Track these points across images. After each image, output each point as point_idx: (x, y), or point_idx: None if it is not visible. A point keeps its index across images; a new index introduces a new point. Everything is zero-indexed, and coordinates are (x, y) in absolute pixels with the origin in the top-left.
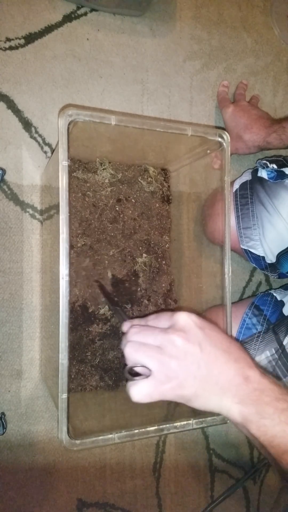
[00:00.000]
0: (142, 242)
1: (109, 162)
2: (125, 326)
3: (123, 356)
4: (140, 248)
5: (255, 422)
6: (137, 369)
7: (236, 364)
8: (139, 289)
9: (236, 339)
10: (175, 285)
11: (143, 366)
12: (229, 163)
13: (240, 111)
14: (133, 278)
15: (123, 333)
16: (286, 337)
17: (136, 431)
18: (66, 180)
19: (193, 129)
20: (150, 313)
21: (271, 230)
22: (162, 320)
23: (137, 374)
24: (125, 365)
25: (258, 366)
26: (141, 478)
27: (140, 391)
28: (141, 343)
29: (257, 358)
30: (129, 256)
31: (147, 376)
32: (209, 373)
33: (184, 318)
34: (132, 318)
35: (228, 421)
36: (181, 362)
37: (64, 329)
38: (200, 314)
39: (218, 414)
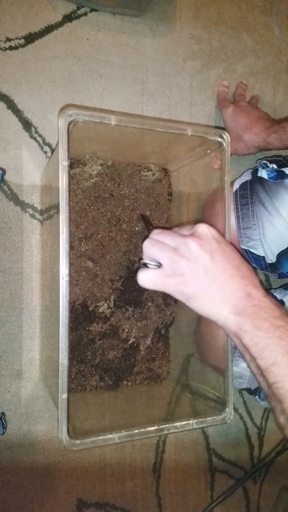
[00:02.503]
0: (141, 242)
1: (97, 158)
2: (153, 234)
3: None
4: (139, 248)
5: (249, 332)
6: (149, 266)
7: (242, 280)
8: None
9: None
10: None
11: (156, 262)
12: (229, 163)
13: (240, 111)
14: (133, 278)
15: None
16: None
17: (136, 431)
18: (66, 180)
19: (193, 129)
20: (152, 314)
21: (271, 230)
22: (184, 229)
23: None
24: (141, 258)
25: (262, 287)
26: (141, 478)
27: (146, 277)
28: (160, 241)
29: None
30: (129, 257)
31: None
32: (214, 281)
33: (203, 228)
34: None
35: (228, 421)
36: (190, 264)
37: (64, 329)
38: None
39: (219, 414)
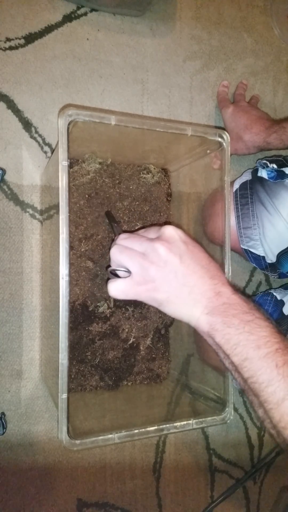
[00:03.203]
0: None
1: (97, 157)
2: (116, 236)
3: (109, 259)
4: None
5: (220, 331)
6: (119, 273)
7: (211, 280)
8: None
9: None
10: None
11: (125, 268)
12: (229, 163)
13: (240, 111)
14: None
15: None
16: (287, 336)
17: (136, 431)
18: (66, 180)
19: (193, 129)
20: (152, 314)
21: (271, 229)
22: (150, 232)
23: (117, 276)
24: (109, 265)
25: (231, 284)
26: (141, 478)
27: (117, 287)
28: (127, 247)
29: None
30: None
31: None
32: (185, 284)
33: (170, 231)
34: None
35: (228, 421)
36: (160, 269)
37: (64, 329)
38: None
39: (219, 414)
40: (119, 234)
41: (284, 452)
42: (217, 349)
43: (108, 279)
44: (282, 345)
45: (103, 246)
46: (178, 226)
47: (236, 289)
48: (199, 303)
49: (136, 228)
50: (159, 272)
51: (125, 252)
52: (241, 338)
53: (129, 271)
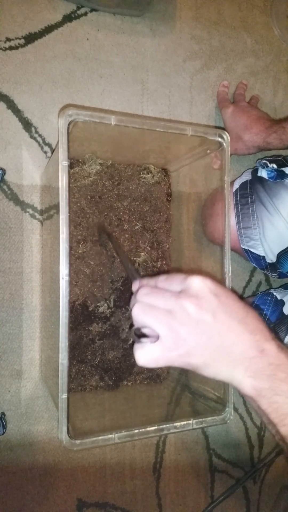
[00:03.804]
0: (141, 242)
1: (97, 158)
2: (135, 285)
3: (130, 317)
4: (139, 248)
5: (267, 398)
6: (145, 331)
7: (252, 336)
8: None
9: None
10: None
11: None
12: (229, 163)
13: (240, 111)
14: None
15: (132, 293)
16: (287, 336)
17: (136, 431)
18: (66, 180)
19: (193, 129)
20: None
21: (271, 229)
22: (174, 282)
23: (143, 336)
24: (132, 325)
25: (275, 339)
26: (141, 478)
27: (146, 355)
28: (151, 305)
29: None
30: (130, 256)
31: (155, 340)
32: (222, 344)
33: (198, 283)
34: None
35: (228, 421)
36: (192, 330)
37: (64, 329)
38: None
39: (219, 414)
40: (138, 281)
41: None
42: (261, 414)
43: (133, 342)
44: None
45: (101, 250)
46: (178, 226)
47: (282, 343)
48: (241, 365)
49: (136, 228)
50: (191, 334)
51: (149, 311)
52: None
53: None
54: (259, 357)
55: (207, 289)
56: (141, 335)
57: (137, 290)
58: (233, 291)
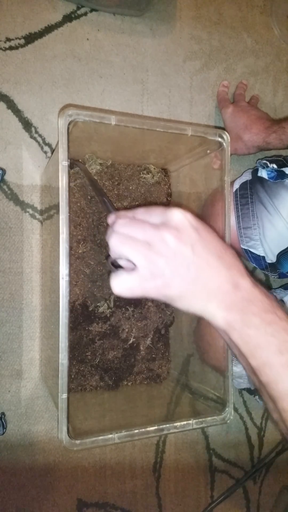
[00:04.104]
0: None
1: (97, 158)
2: (111, 218)
3: (108, 247)
4: None
5: (238, 330)
6: (121, 262)
7: (228, 271)
8: None
9: None
10: None
11: (128, 260)
12: (229, 163)
13: (240, 111)
14: None
15: (108, 225)
16: None
17: (136, 431)
18: (66, 180)
19: (193, 129)
20: (152, 314)
21: (271, 229)
22: (153, 214)
23: (120, 267)
24: (108, 255)
25: (250, 275)
26: (141, 478)
27: (122, 284)
28: (129, 236)
29: None
30: None
31: (132, 270)
32: (198, 277)
33: (179, 216)
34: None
35: (228, 421)
36: (170, 262)
37: (64, 329)
38: None
39: (219, 414)
40: (114, 214)
41: (286, 452)
42: (232, 346)
43: (109, 272)
44: None
45: (104, 247)
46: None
47: (256, 280)
48: (215, 298)
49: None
50: (169, 266)
51: (127, 242)
52: (262, 341)
53: (133, 263)
54: (233, 291)
55: (188, 222)
56: (118, 266)
57: (115, 221)
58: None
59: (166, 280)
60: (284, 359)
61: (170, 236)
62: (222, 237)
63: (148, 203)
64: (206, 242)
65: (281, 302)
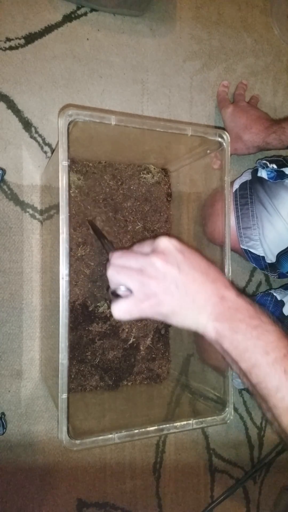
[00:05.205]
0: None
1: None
2: (110, 255)
3: (107, 280)
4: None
5: (228, 337)
6: (120, 292)
7: (213, 285)
8: None
9: None
10: None
11: (125, 287)
12: (229, 163)
13: (240, 111)
14: None
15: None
16: None
17: (136, 431)
18: (66, 180)
19: (193, 129)
20: None
21: (271, 230)
22: (145, 246)
23: (119, 297)
24: (108, 287)
25: (234, 287)
26: (141, 478)
27: (120, 308)
28: (123, 266)
29: None
30: None
31: (129, 295)
32: (187, 292)
33: (164, 242)
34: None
35: (228, 421)
36: (160, 282)
37: (64, 329)
38: None
39: (219, 414)
40: (112, 252)
41: (286, 452)
42: (225, 355)
43: (110, 301)
44: None
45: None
46: (178, 226)
47: (240, 291)
48: (204, 310)
49: (137, 228)
50: (160, 286)
51: (122, 271)
52: (249, 344)
53: (130, 290)
54: (220, 302)
55: (173, 246)
56: (117, 296)
57: (111, 255)
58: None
59: (159, 298)
60: (271, 359)
61: (157, 259)
62: (222, 236)
63: (148, 202)
64: (190, 261)
65: (281, 302)
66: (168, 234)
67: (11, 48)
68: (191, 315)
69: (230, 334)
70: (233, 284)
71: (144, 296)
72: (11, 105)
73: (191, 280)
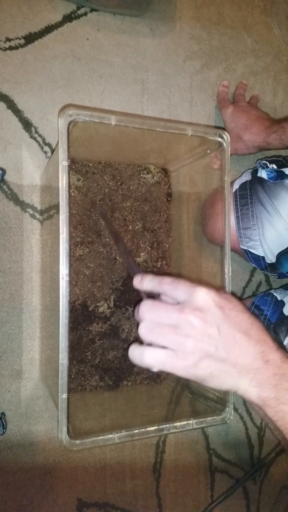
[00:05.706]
0: (141, 242)
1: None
2: (136, 280)
3: (136, 327)
4: (140, 248)
5: (273, 407)
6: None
7: (257, 347)
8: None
9: None
10: None
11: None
12: (229, 163)
13: (240, 111)
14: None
15: (135, 289)
16: (287, 337)
17: (136, 431)
18: (66, 180)
19: (193, 129)
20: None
21: (271, 230)
22: (179, 290)
23: None
24: (136, 339)
25: (279, 349)
26: (141, 478)
27: (154, 356)
28: (156, 322)
29: None
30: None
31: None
32: (227, 356)
33: (203, 296)
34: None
35: (228, 421)
36: (198, 343)
37: (64, 329)
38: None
39: (219, 414)
40: (142, 279)
41: (286, 452)
42: (268, 421)
43: (133, 341)
44: None
45: (104, 247)
46: (178, 226)
47: (286, 352)
48: (246, 375)
49: (136, 228)
50: (197, 347)
51: (155, 329)
52: None
53: None
54: (264, 367)
55: (212, 302)
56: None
57: (141, 306)
58: (233, 294)
59: (195, 360)
60: None
61: (195, 318)
62: (222, 236)
63: (148, 202)
64: (231, 320)
65: (281, 302)
66: (168, 232)
67: (11, 48)
68: (231, 379)
69: (276, 405)
70: (277, 342)
71: (182, 354)
72: (11, 105)
73: (231, 342)
